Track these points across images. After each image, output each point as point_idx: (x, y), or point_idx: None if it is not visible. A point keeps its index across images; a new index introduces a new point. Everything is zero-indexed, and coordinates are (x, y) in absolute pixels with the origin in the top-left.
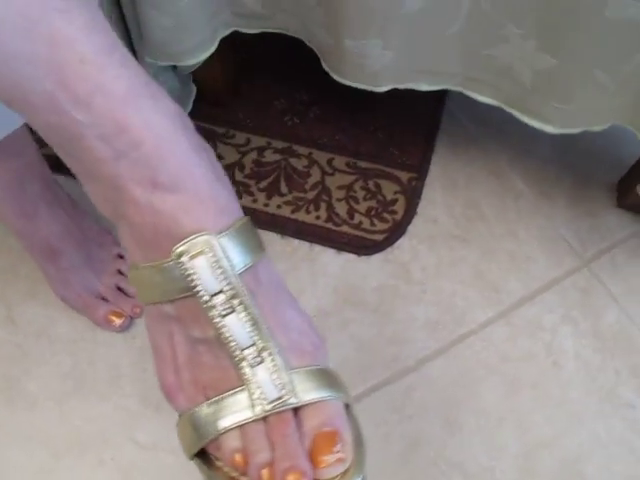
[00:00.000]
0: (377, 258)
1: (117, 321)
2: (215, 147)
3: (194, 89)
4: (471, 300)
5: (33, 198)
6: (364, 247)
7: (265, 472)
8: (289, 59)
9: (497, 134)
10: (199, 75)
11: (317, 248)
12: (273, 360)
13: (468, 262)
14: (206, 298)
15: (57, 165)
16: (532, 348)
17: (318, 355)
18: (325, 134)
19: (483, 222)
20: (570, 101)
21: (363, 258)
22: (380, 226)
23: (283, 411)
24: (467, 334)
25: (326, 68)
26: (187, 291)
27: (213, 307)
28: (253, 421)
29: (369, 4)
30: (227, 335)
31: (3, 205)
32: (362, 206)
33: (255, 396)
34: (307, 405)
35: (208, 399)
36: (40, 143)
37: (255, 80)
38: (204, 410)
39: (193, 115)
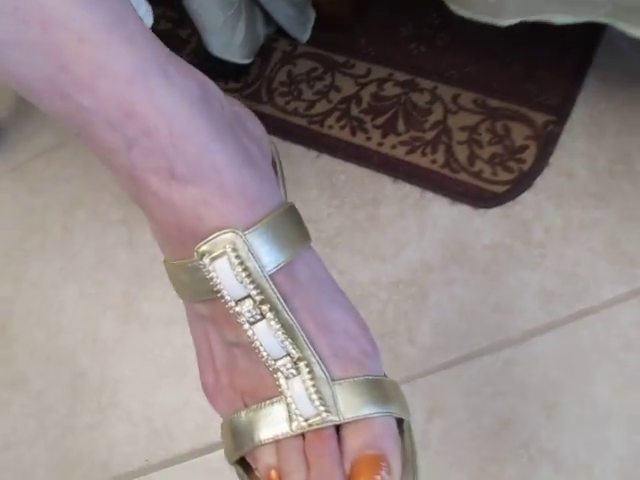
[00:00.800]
0: (495, 213)
1: None
2: (333, 78)
3: (312, 15)
4: (598, 272)
5: None
6: (482, 199)
7: None
8: None
9: None
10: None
11: (429, 195)
12: (310, 372)
13: (603, 227)
14: (231, 304)
15: None
16: None
17: (368, 363)
18: (454, 65)
19: (631, 180)
20: None
21: (479, 211)
22: (503, 176)
23: (322, 429)
24: (587, 311)
25: (448, 3)
26: (214, 294)
27: (240, 314)
28: (290, 437)
29: None
30: (257, 344)
31: None
32: (485, 151)
33: (291, 411)
34: (349, 423)
35: (247, 406)
36: None
37: (378, 4)
38: (242, 418)
39: (311, 43)
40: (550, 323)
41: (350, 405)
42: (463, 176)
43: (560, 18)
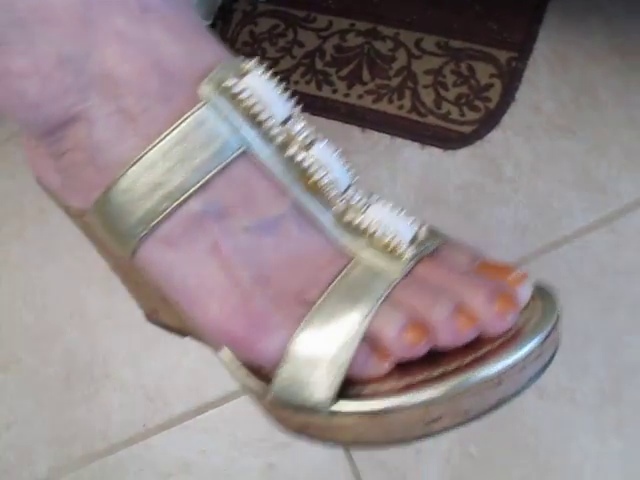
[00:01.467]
0: (464, 153)
1: None
2: (295, 33)
3: None
4: (570, 202)
5: None
6: (450, 140)
7: (457, 316)
8: None
9: (629, 4)
10: None
11: (398, 141)
12: (384, 201)
13: (572, 157)
14: (277, 130)
15: None
16: (638, 262)
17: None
18: (414, 11)
19: (596, 109)
20: None
21: (448, 152)
22: (470, 116)
23: (430, 251)
24: (561, 241)
25: None
26: (237, 145)
27: (290, 141)
28: (401, 281)
29: None
30: (321, 175)
31: None
32: (451, 93)
33: (387, 247)
34: (442, 247)
35: (313, 304)
36: None
37: None
38: (315, 323)
39: (270, 0)
40: (526, 256)
41: (433, 234)
42: (431, 119)
43: None
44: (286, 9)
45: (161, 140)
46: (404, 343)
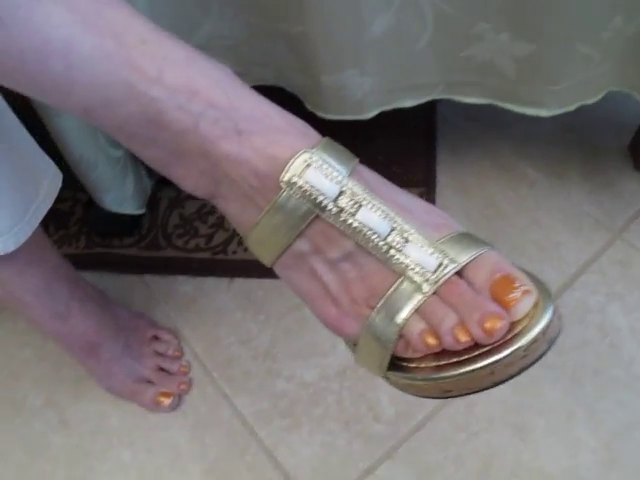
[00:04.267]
0: None
1: (166, 401)
2: None
3: None
4: None
5: (63, 299)
6: None
7: (458, 330)
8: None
9: (496, 127)
10: None
11: None
12: (418, 237)
13: None
14: (331, 206)
15: (81, 262)
16: (585, 334)
17: (452, 224)
18: None
19: (503, 218)
20: (558, 81)
21: None
22: None
23: (449, 278)
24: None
25: (310, 108)
26: (310, 213)
27: (341, 210)
28: (426, 300)
29: (335, 38)
30: (365, 231)
31: (36, 310)
32: None
33: (417, 276)
34: (467, 265)
35: (374, 308)
36: (59, 243)
37: None
38: (377, 317)
39: None
40: None
41: (459, 251)
42: None
43: (409, 102)
44: None
45: (267, 211)
46: (422, 343)
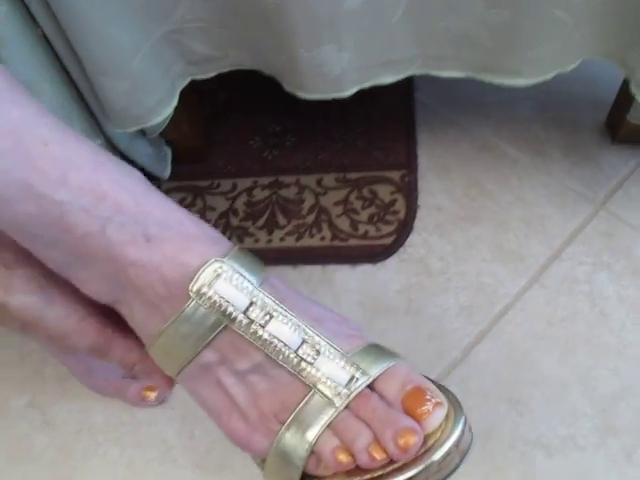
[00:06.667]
0: (392, 261)
1: (152, 395)
2: (204, 200)
3: (169, 151)
4: (498, 275)
5: None
6: (376, 254)
7: (373, 448)
8: (252, 99)
9: (474, 110)
10: (170, 135)
11: (330, 268)
12: (329, 349)
13: (484, 239)
14: (241, 317)
15: None
16: (574, 304)
17: (362, 335)
18: (308, 158)
19: (487, 197)
20: (534, 47)
21: (378, 265)
22: (386, 229)
23: (361, 391)
24: (505, 309)
25: (289, 89)
26: (219, 324)
27: (251, 322)
28: (338, 414)
29: (311, 11)
30: (276, 343)
31: None
32: (363, 215)
33: (328, 390)
34: (378, 378)
35: (284, 423)
36: None
37: (225, 127)
38: (287, 433)
39: (173, 177)
40: (481, 332)
41: (370, 364)
42: (353, 241)
43: (387, 78)
44: (189, 182)
45: (173, 321)
46: (335, 461)
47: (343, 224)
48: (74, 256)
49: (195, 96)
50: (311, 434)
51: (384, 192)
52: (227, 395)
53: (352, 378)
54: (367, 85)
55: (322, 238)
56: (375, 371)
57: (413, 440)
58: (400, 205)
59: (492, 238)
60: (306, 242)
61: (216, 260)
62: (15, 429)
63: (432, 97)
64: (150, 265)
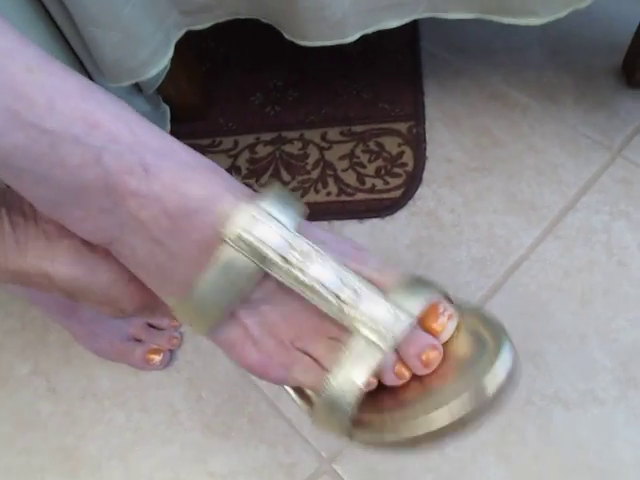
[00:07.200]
0: (402, 215)
1: (157, 358)
2: None
3: (167, 109)
4: (511, 226)
5: None
6: (385, 208)
7: (401, 369)
8: (252, 55)
9: (482, 57)
10: (168, 93)
11: (338, 224)
12: (371, 291)
13: (495, 190)
14: (282, 264)
15: None
16: (591, 254)
17: (400, 269)
18: (310, 111)
19: (498, 146)
20: None
21: (387, 219)
22: (394, 182)
23: (407, 332)
24: (519, 261)
25: (289, 37)
26: (259, 272)
27: (291, 266)
28: (387, 358)
29: None
30: (318, 287)
31: None
32: (370, 169)
33: (374, 334)
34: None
35: (303, 351)
36: None
37: (225, 84)
38: (333, 382)
39: (173, 135)
40: (494, 284)
41: (412, 302)
42: (360, 196)
43: (391, 22)
44: (189, 141)
45: (207, 272)
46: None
47: (349, 178)
48: (67, 192)
49: (193, 53)
50: (359, 379)
51: (391, 144)
52: (243, 328)
53: (398, 320)
54: (370, 30)
55: (328, 193)
56: (417, 309)
57: (434, 355)
58: (408, 157)
59: (504, 189)
60: (311, 198)
61: (246, 203)
62: (20, 397)
63: (439, 46)
64: (151, 195)
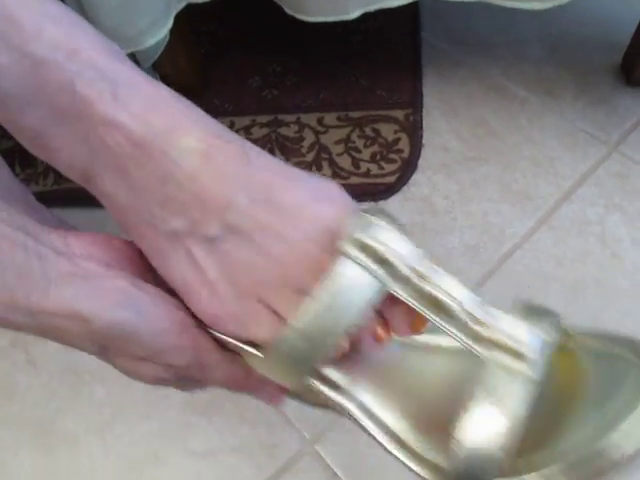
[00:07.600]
0: (396, 200)
1: None
2: None
3: None
4: (505, 215)
5: None
6: (379, 192)
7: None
8: (252, 39)
9: (482, 50)
10: (166, 72)
11: None
12: (500, 310)
13: (491, 179)
14: (405, 272)
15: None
16: (585, 246)
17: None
18: (309, 96)
19: (495, 137)
20: None
21: (380, 203)
22: (389, 168)
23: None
24: (512, 249)
25: (290, 12)
26: (382, 284)
27: (419, 274)
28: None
29: None
30: (445, 299)
31: None
32: (365, 154)
33: (518, 352)
34: None
35: (266, 304)
36: (26, 182)
37: (223, 66)
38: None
39: None
40: (487, 272)
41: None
42: (354, 180)
43: (394, 1)
44: None
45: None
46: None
47: (344, 162)
48: (47, 119)
49: (193, 36)
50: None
51: (387, 131)
52: (196, 267)
53: (544, 344)
54: (372, 8)
55: (322, 176)
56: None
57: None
58: (404, 144)
59: (500, 178)
60: None
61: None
62: None
63: (440, 37)
64: (117, 122)
